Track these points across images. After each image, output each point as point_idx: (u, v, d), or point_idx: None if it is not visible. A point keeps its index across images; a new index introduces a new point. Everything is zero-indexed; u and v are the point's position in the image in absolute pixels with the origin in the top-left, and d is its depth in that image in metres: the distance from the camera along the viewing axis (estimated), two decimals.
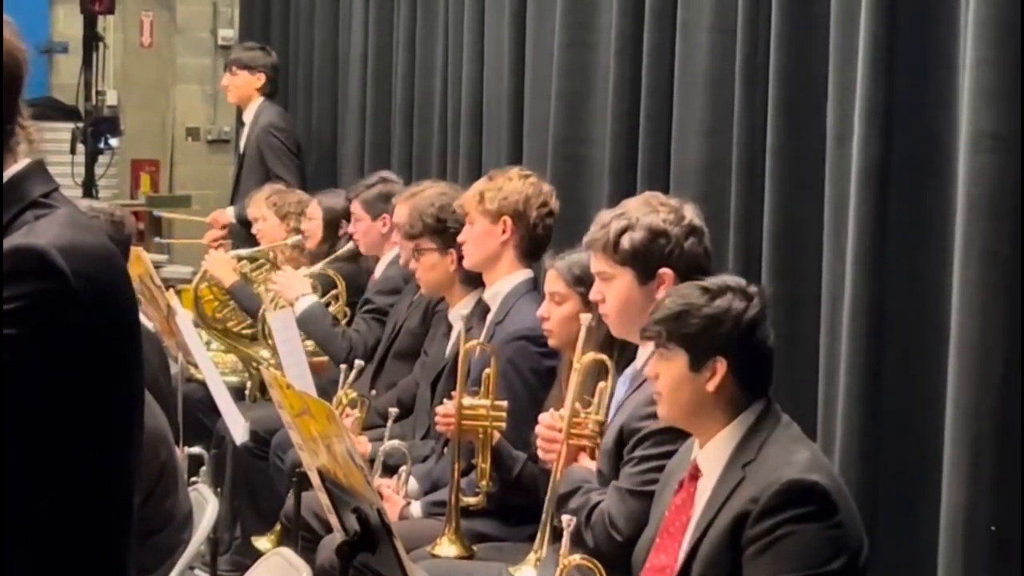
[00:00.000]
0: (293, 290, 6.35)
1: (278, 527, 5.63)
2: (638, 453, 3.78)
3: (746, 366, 3.37)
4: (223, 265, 6.85)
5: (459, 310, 5.15)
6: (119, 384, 2.26)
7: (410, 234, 5.39)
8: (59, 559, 2.20)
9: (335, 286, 6.52)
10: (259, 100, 8.44)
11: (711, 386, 3.36)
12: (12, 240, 2.16)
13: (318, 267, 6.60)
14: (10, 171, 2.25)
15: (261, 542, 5.64)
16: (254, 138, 8.33)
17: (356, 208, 6.44)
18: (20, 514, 2.16)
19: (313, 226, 6.86)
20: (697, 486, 3.39)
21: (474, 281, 5.21)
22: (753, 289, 3.42)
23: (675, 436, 3.66)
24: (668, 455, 3.65)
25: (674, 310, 3.40)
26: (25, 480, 2.15)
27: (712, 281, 3.46)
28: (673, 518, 3.41)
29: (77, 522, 2.21)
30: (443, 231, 5.27)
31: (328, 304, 6.43)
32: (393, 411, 5.19)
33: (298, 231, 7.03)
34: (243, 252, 7.07)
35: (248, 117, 8.47)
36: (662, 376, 3.43)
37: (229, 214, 8.25)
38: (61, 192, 2.30)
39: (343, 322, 6.38)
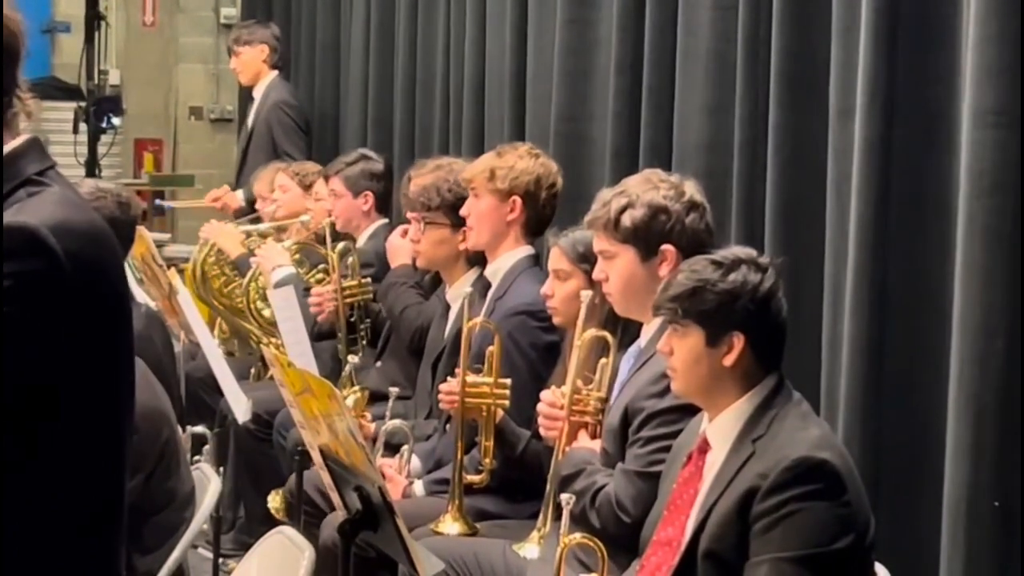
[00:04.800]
0: (272, 261, 6.36)
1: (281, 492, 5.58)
2: (644, 433, 3.77)
3: (763, 339, 3.36)
4: (231, 237, 6.85)
5: (457, 289, 5.13)
6: (108, 364, 2.24)
7: (427, 206, 5.30)
8: (46, 537, 2.19)
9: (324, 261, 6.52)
10: (270, 75, 8.44)
11: (728, 360, 3.34)
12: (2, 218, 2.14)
13: (290, 241, 6.61)
14: (7, 147, 2.23)
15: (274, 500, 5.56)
16: (264, 114, 8.32)
17: (337, 184, 6.42)
18: (6, 493, 2.15)
19: (320, 207, 6.84)
20: (705, 459, 3.38)
21: (473, 260, 5.19)
22: (765, 260, 3.41)
23: (681, 415, 3.65)
24: (674, 435, 3.63)
25: (688, 286, 3.37)
26: (13, 460, 2.14)
27: (723, 254, 3.43)
28: (680, 491, 3.40)
29: (65, 502, 2.20)
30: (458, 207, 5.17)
31: (320, 280, 6.41)
32: (394, 390, 5.18)
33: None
34: (250, 227, 7.05)
35: (258, 93, 8.46)
36: (677, 352, 3.41)
37: (239, 197, 8.22)
38: (57, 170, 2.28)
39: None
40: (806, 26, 4.28)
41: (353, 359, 5.71)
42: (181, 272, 6.61)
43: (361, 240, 6.40)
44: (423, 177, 5.57)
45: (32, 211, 2.15)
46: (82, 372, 2.19)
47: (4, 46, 2.20)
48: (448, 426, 4.86)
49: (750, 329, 3.34)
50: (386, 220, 6.41)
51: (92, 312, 2.18)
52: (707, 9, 4.78)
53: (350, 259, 6.10)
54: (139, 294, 5.87)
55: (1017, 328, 3.43)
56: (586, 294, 4.15)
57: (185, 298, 5.74)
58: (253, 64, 8.46)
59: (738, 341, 3.34)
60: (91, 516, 2.25)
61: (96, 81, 9.17)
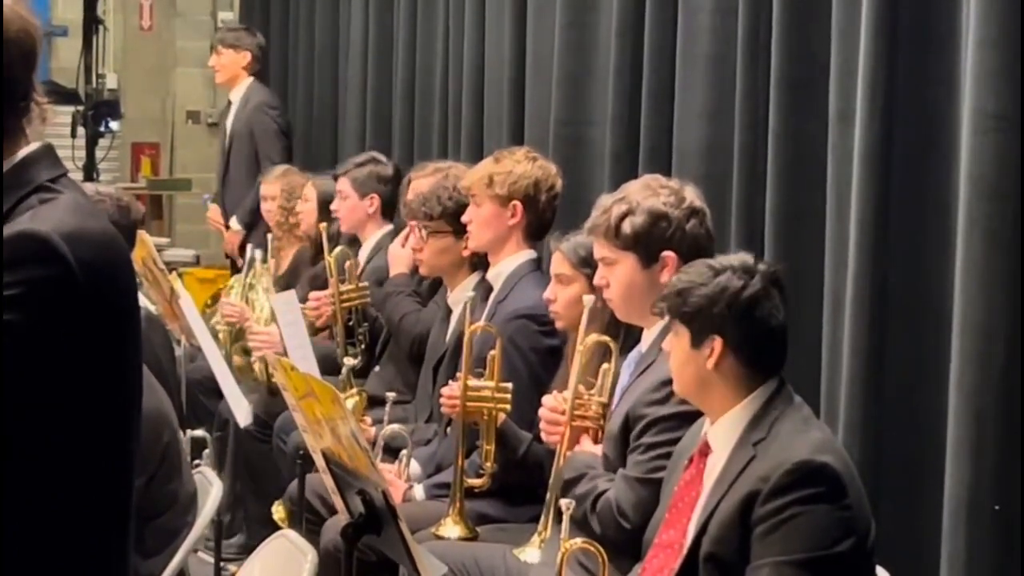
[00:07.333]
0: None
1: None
2: (645, 440, 3.78)
3: (745, 344, 3.37)
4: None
5: (459, 294, 5.14)
6: (117, 370, 2.25)
7: (429, 215, 5.30)
8: (54, 542, 2.20)
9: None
10: (247, 80, 8.43)
11: (710, 364, 3.36)
12: (16, 225, 2.15)
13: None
14: (22, 152, 2.25)
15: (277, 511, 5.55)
16: (245, 118, 8.31)
17: (344, 185, 6.38)
18: (16, 499, 2.16)
19: (308, 208, 6.81)
20: (707, 462, 3.39)
21: (476, 264, 5.19)
22: (760, 267, 3.42)
23: (682, 422, 3.66)
24: (675, 441, 3.64)
25: (677, 287, 3.42)
26: (21, 465, 2.15)
27: (720, 260, 3.46)
28: (682, 494, 3.41)
29: (74, 507, 2.21)
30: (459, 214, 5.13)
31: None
32: (391, 395, 5.18)
33: (289, 212, 7.01)
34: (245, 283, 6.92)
35: (236, 96, 8.45)
36: (672, 351, 3.45)
37: (235, 226, 8.13)
38: (69, 176, 2.30)
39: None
40: (805, 30, 4.28)
41: (351, 361, 5.71)
42: (181, 276, 6.61)
43: (365, 249, 6.35)
44: (422, 183, 5.57)
45: (45, 218, 2.16)
46: (91, 378, 2.20)
47: (23, 49, 2.21)
48: (448, 430, 4.86)
49: (727, 334, 3.36)
50: (390, 227, 6.34)
51: (102, 319, 2.20)
52: (707, 12, 4.78)
53: (347, 263, 6.09)
54: (139, 297, 5.86)
55: (1017, 331, 3.43)
56: (588, 299, 4.15)
57: (186, 302, 5.74)
58: (232, 67, 8.45)
59: (717, 345, 3.36)
60: (98, 521, 2.26)
61: (94, 85, 9.18)
